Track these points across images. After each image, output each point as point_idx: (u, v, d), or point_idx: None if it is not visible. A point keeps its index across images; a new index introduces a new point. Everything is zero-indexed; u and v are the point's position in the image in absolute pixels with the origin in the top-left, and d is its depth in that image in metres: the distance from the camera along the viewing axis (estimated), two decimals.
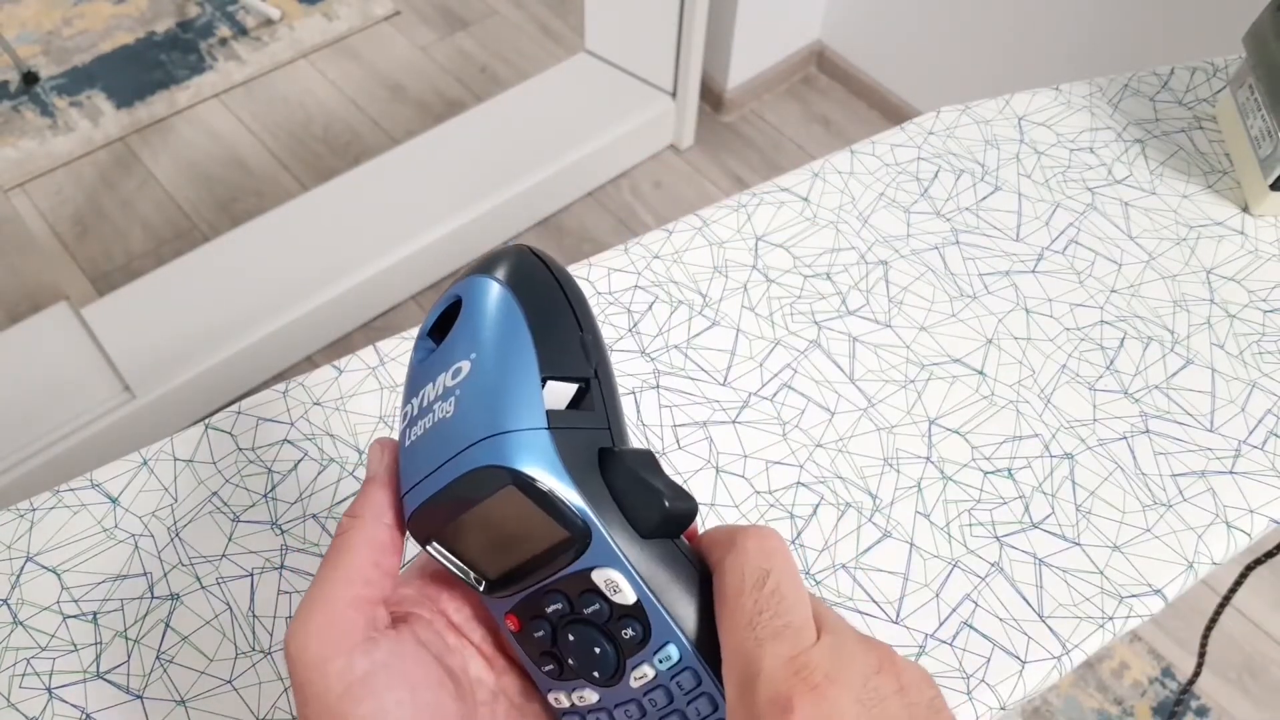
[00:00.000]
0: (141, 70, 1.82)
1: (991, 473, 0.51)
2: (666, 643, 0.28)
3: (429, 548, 0.30)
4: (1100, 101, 0.69)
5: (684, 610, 0.29)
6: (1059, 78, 0.72)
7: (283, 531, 0.48)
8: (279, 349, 1.43)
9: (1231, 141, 0.66)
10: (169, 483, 0.49)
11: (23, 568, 0.46)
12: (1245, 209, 0.63)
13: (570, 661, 0.30)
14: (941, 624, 0.46)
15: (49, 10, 1.91)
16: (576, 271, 0.57)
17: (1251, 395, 0.54)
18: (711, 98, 1.78)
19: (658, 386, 0.53)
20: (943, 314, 0.57)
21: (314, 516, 0.48)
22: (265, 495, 0.49)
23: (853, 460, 0.51)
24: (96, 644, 0.44)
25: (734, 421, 0.52)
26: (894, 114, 1.78)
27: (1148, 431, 0.53)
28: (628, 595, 0.28)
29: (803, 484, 0.50)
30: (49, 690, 0.43)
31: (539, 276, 0.31)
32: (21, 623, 0.45)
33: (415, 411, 0.30)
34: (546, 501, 0.27)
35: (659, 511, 0.28)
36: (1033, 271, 0.59)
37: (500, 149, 1.61)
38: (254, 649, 0.44)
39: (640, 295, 0.57)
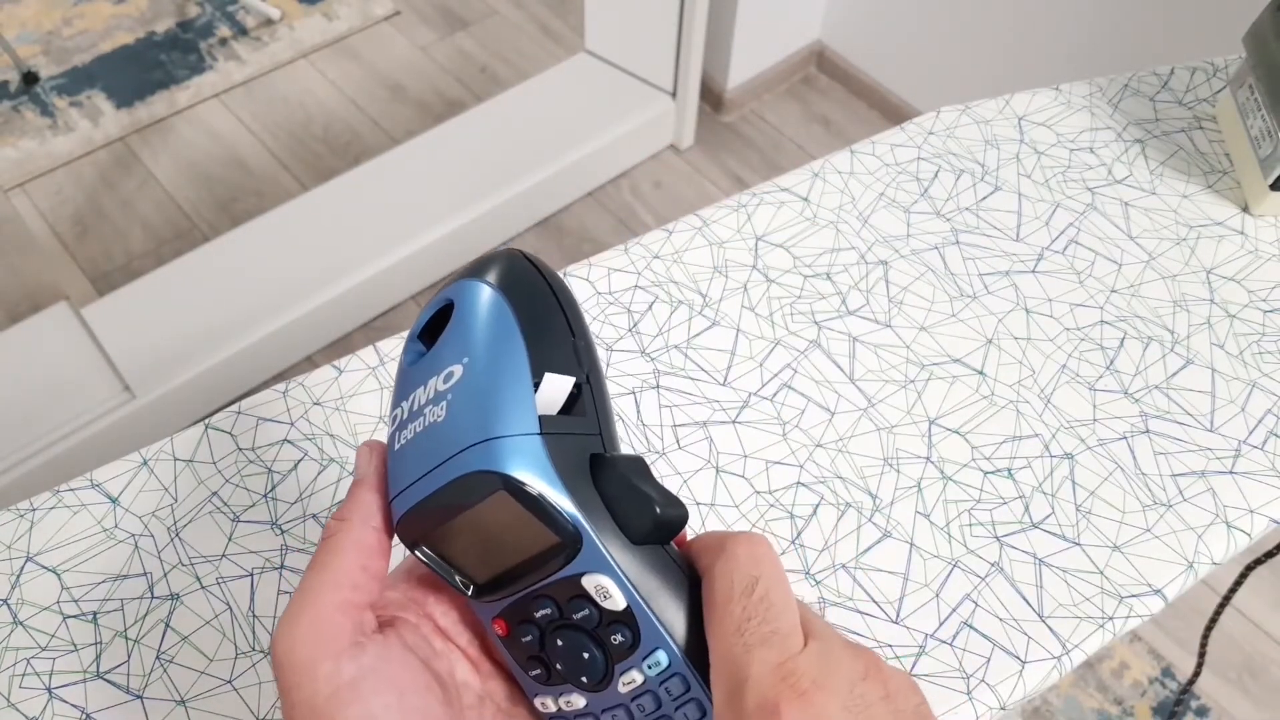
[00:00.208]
0: (141, 70, 1.82)
1: (991, 473, 0.51)
2: (656, 649, 0.28)
3: (417, 552, 0.30)
4: (1100, 101, 0.69)
5: (673, 616, 0.29)
6: (1059, 78, 0.72)
7: (283, 531, 0.48)
8: (279, 349, 1.43)
9: (1231, 141, 0.66)
10: (169, 483, 0.49)
11: (23, 568, 0.46)
12: (1245, 209, 0.63)
13: (558, 666, 0.30)
14: (941, 624, 0.46)
15: (49, 10, 1.91)
16: (576, 271, 0.57)
17: (1251, 395, 0.54)
18: (711, 98, 1.78)
19: (658, 386, 0.53)
20: (943, 314, 0.57)
21: (314, 516, 0.48)
22: (265, 495, 0.49)
23: (853, 460, 0.51)
24: (96, 644, 0.44)
25: (734, 421, 0.52)
26: (894, 114, 1.78)
27: (1148, 431, 0.53)
28: (618, 601, 0.28)
29: (803, 484, 0.50)
30: (49, 690, 0.43)
31: (531, 281, 0.31)
32: (21, 623, 0.45)
33: (405, 415, 0.30)
34: (538, 507, 0.27)
35: (650, 518, 0.29)
36: (1033, 271, 0.59)
37: (500, 149, 1.61)
38: (254, 649, 0.44)
39: (640, 295, 0.57)
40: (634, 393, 0.53)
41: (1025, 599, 0.47)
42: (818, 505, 0.49)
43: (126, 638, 0.44)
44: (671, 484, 0.50)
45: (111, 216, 1.61)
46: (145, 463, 0.49)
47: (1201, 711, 1.21)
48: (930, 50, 1.67)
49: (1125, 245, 0.61)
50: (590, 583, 0.28)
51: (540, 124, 1.65)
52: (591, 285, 0.57)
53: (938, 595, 0.47)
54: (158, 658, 0.44)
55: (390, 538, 0.30)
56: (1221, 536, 0.49)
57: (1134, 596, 0.47)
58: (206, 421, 0.50)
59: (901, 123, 0.67)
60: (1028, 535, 0.49)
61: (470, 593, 0.30)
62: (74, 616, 0.45)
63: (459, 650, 0.32)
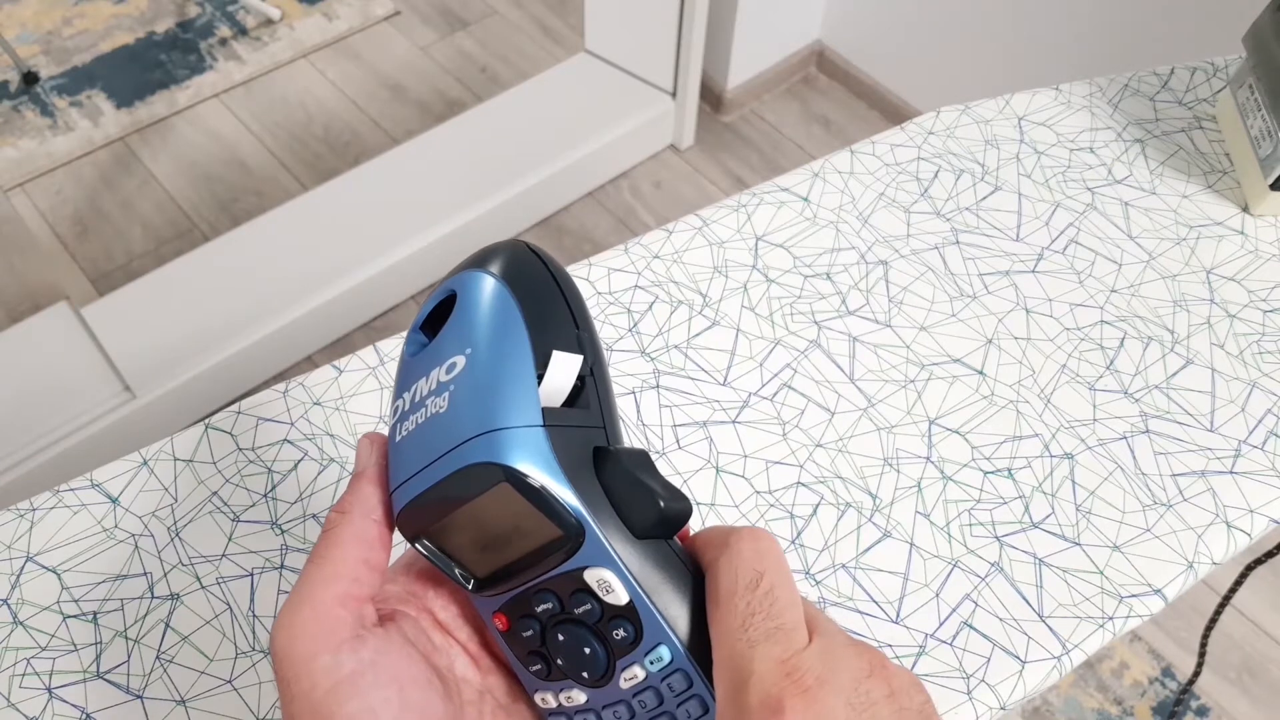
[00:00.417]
0: (141, 70, 1.82)
1: (991, 473, 0.51)
2: (658, 644, 0.28)
3: (418, 544, 0.30)
4: (1100, 101, 0.69)
5: (676, 611, 0.28)
6: (1059, 78, 0.72)
7: (283, 531, 0.48)
8: (279, 349, 1.43)
9: (1231, 141, 0.66)
10: (169, 483, 0.49)
11: (23, 568, 0.46)
12: (1245, 209, 0.63)
13: (559, 661, 0.30)
14: (941, 624, 0.46)
15: (49, 10, 1.91)
16: (576, 271, 0.57)
17: (1251, 395, 0.54)
18: (711, 98, 1.78)
19: (658, 386, 0.53)
20: (943, 314, 0.57)
21: (314, 516, 0.48)
22: (265, 495, 0.49)
23: (853, 460, 0.51)
24: (96, 644, 0.44)
25: (734, 421, 0.52)
26: (894, 114, 1.78)
27: (1148, 431, 0.53)
28: (620, 596, 0.28)
29: (803, 484, 0.50)
30: (49, 690, 0.43)
31: (535, 272, 0.30)
32: (21, 623, 0.45)
33: (407, 406, 0.29)
34: (540, 499, 0.27)
35: (654, 512, 0.28)
36: (1033, 271, 0.59)
37: (500, 149, 1.61)
38: (254, 649, 0.44)
39: (640, 295, 0.57)
40: (634, 393, 0.53)
41: (1025, 599, 0.47)
42: (818, 505, 0.49)
43: (126, 638, 0.44)
44: (672, 483, 0.50)
45: (111, 216, 1.61)
46: (145, 463, 0.49)
47: (1201, 711, 1.21)
48: (930, 50, 1.67)
49: (1125, 245, 0.61)
50: (592, 577, 0.28)
51: (540, 124, 1.65)
52: (591, 285, 0.57)
53: (938, 595, 0.47)
54: (158, 658, 0.44)
55: (391, 530, 0.30)
56: (1221, 536, 0.49)
57: (1134, 596, 0.47)
58: (206, 421, 0.50)
59: (901, 123, 0.67)
60: (1028, 535, 0.49)
61: (471, 586, 0.30)
62: (74, 616, 0.45)
63: (459, 645, 0.32)
